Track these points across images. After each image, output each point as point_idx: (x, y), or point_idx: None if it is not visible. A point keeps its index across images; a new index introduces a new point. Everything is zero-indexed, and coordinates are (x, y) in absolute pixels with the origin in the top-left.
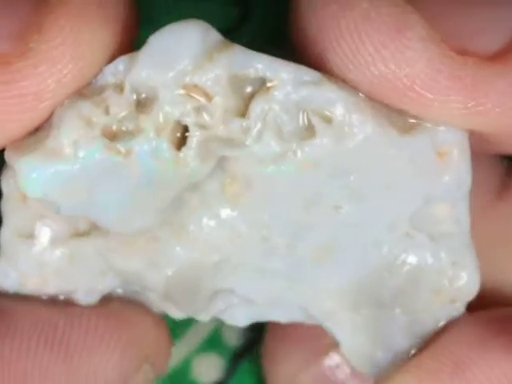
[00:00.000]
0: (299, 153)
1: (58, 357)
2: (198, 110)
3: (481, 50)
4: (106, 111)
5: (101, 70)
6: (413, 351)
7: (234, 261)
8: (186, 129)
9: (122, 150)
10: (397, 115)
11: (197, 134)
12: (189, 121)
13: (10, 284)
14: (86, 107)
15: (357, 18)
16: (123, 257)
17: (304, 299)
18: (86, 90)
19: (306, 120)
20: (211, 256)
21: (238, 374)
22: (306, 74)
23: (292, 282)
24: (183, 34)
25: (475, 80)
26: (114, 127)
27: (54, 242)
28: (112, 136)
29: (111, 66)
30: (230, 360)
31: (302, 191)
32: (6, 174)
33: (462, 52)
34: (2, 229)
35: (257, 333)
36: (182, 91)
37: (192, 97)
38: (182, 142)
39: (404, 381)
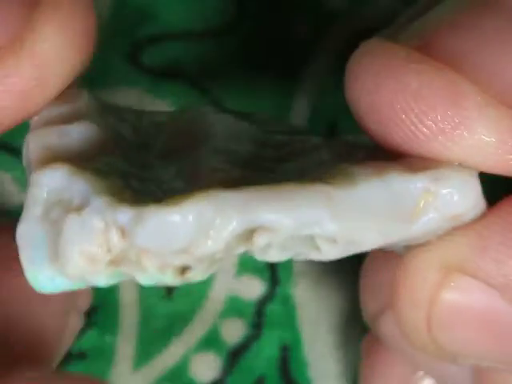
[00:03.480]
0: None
1: None
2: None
3: None
4: (109, 250)
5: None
6: None
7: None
8: None
9: (126, 274)
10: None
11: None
12: (191, 264)
13: None
14: (90, 247)
15: (409, 100)
16: None
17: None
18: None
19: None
20: None
21: (236, 373)
22: (310, 213)
23: None
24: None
25: None
26: (118, 257)
27: None
28: (116, 263)
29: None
30: (227, 358)
31: None
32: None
33: None
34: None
35: (254, 330)
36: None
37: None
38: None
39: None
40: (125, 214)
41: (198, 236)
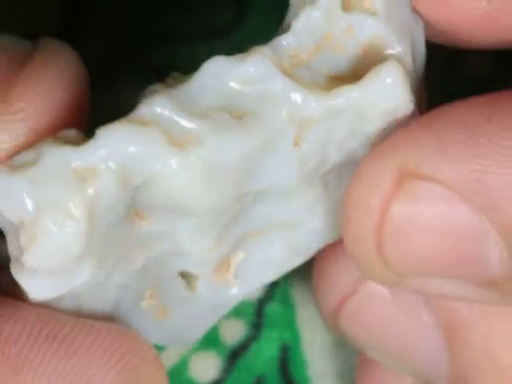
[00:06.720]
0: None
1: (57, 351)
2: None
3: None
4: None
5: None
6: None
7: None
8: None
9: None
10: None
11: None
12: None
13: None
14: None
15: None
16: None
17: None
18: None
19: None
20: None
21: (235, 373)
22: None
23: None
24: None
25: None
26: None
27: None
28: None
29: None
30: (226, 359)
31: None
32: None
33: None
34: None
35: (254, 330)
36: None
37: None
38: None
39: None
40: None
41: None
